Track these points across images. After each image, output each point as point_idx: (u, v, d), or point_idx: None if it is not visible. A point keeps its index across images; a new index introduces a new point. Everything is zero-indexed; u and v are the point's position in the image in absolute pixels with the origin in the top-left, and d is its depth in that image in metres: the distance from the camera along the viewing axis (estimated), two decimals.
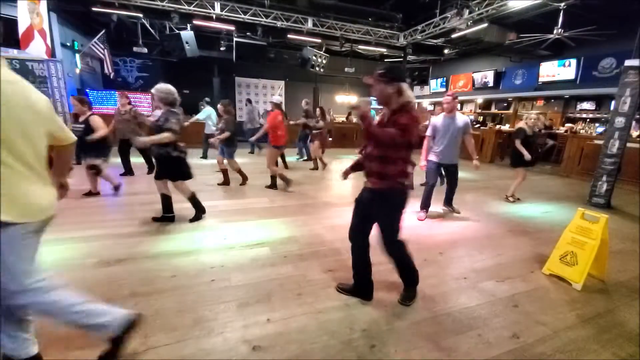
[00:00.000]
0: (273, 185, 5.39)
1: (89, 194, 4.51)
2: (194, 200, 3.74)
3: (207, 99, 9.24)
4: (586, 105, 11.11)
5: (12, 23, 7.26)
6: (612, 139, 4.96)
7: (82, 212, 3.86)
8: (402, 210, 2.07)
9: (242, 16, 8.93)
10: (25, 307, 1.41)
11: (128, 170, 5.95)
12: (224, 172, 5.49)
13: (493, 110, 14.27)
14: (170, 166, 3.44)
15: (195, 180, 5.67)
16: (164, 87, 3.30)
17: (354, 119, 10.73)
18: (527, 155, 4.78)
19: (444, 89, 16.37)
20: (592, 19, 8.38)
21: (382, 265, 2.36)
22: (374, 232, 2.16)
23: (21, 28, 6.39)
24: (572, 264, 2.65)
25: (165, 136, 3.20)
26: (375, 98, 2.01)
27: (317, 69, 11.03)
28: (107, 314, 1.51)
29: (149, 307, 2.09)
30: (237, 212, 4.12)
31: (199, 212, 3.79)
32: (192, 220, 3.70)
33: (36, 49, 6.84)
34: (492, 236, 3.69)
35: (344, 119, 14.41)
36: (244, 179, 5.57)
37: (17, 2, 6.30)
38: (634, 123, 6.72)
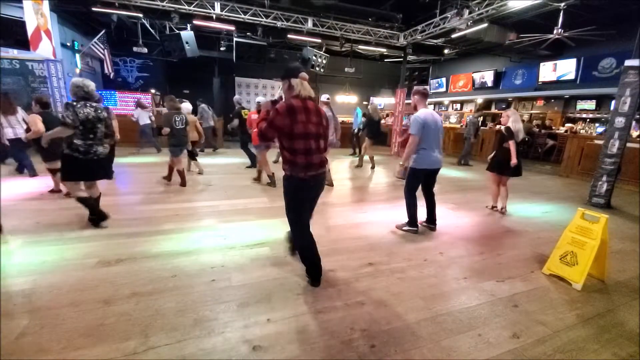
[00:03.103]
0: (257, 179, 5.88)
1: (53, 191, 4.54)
2: (83, 202, 3.37)
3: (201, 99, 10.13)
4: (586, 105, 11.12)
5: (12, 23, 7.26)
6: (612, 139, 4.97)
7: (82, 212, 3.85)
8: (289, 195, 2.28)
9: (242, 16, 8.93)
10: None
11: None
12: (177, 171, 5.27)
13: (493, 110, 14.27)
14: (62, 163, 3.22)
15: (195, 179, 5.76)
16: (73, 81, 3.15)
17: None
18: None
19: (443, 89, 16.41)
20: (592, 19, 8.40)
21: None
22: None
23: (30, 29, 6.37)
24: (572, 264, 2.65)
25: (56, 130, 3.10)
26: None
27: (317, 69, 11.02)
28: None
29: (149, 307, 2.09)
30: (237, 212, 4.12)
31: (94, 215, 3.41)
32: (89, 220, 3.44)
33: (44, 49, 6.84)
34: (492, 236, 3.69)
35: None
36: (183, 182, 5.28)
37: (23, 2, 6.29)
38: (634, 123, 6.72)
